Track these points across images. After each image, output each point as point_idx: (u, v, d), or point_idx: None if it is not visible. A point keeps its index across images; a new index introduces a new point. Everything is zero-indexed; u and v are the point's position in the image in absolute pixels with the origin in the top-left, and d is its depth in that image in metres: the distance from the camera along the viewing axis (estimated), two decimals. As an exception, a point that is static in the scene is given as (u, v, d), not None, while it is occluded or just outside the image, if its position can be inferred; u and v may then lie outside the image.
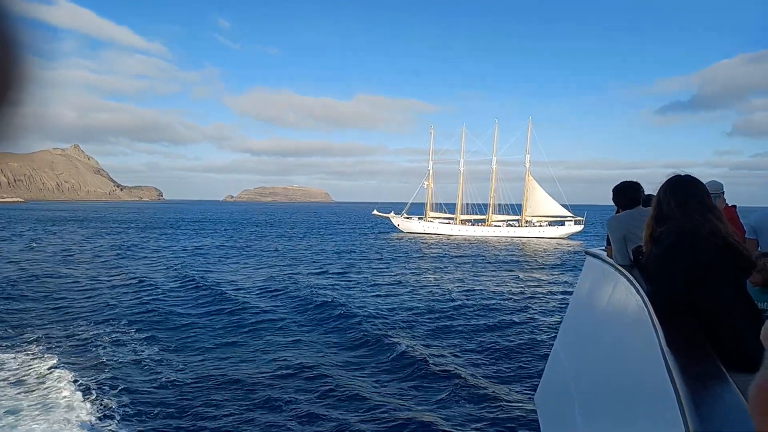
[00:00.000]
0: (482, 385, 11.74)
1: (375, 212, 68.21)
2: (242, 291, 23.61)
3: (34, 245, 45.17)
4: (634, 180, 4.73)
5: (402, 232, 65.13)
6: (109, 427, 9.68)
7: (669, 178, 3.09)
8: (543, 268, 34.54)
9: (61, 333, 16.22)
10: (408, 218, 65.91)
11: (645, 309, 2.84)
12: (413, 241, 55.13)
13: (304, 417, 10.06)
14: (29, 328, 16.53)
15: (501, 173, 64.92)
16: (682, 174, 3.10)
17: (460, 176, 65.47)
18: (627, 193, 4.59)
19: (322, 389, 11.40)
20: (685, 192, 2.98)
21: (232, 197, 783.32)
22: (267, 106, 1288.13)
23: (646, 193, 4.61)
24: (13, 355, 13.56)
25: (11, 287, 23.59)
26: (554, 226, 61.62)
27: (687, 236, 2.83)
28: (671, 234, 2.90)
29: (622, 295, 3.53)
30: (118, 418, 10.11)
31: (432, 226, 64.34)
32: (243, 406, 10.76)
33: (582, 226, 61.80)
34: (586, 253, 5.51)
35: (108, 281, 26.28)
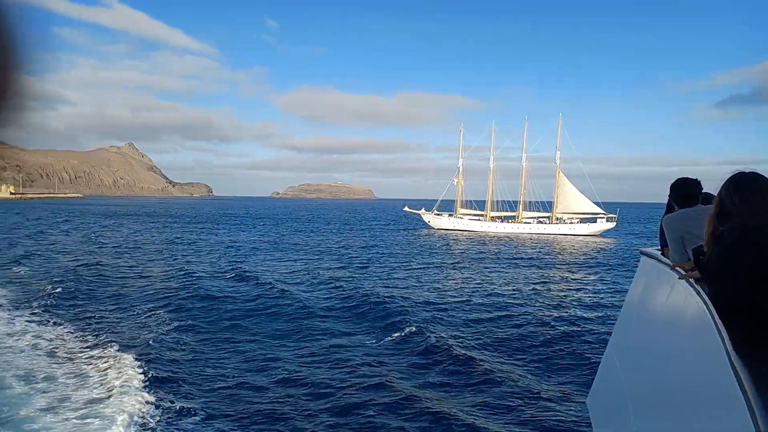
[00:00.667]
0: (531, 386, 11.51)
1: (406, 209, 69.39)
2: (282, 282, 25.09)
3: (94, 237, 48.90)
4: (692, 177, 4.55)
5: (432, 228, 66.12)
6: (160, 410, 10.19)
7: (732, 174, 3.00)
8: (578, 265, 34.20)
9: (115, 317, 18.03)
10: (438, 215, 66.83)
11: (707, 311, 2.74)
12: (443, 237, 55.94)
13: (350, 409, 10.24)
14: (88, 313, 18.38)
15: (539, 170, 64.85)
16: (746, 171, 3.01)
17: (490, 173, 65.85)
18: (685, 191, 4.43)
19: (367, 384, 11.57)
20: (749, 188, 2.90)
21: (278, 194, 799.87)
22: (311, 104, 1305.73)
23: (703, 190, 4.44)
24: (75, 337, 15.23)
25: (74, 275, 26.06)
26: (585, 223, 61.11)
27: (751, 233, 2.73)
28: (734, 231, 2.78)
29: (681, 297, 3.40)
30: (169, 401, 10.86)
31: (462, 222, 64.93)
32: (284, 388, 11.50)
33: (615, 224, 60.88)
34: (642, 253, 5.31)
35: (159, 271, 28.64)
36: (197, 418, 10.08)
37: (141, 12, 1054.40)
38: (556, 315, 18.58)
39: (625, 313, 5.78)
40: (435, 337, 15.23)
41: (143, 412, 10.12)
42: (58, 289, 21.91)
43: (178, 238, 50.01)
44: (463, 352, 13.88)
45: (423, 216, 67.83)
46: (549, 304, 20.84)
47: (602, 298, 22.30)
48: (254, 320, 17.87)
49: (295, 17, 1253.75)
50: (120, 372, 12.21)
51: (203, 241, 48.08)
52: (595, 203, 60.71)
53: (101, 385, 11.51)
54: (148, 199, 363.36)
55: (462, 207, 66.66)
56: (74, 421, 9.69)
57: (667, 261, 4.14)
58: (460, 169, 66.36)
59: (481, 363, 12.92)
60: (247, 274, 27.32)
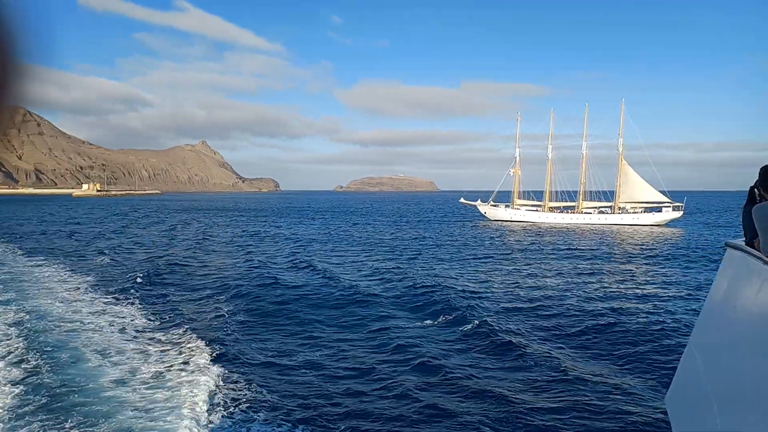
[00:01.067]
0: (603, 383, 11.22)
1: (462, 200, 69.28)
2: (344, 273, 25.84)
3: (170, 230, 52.70)
4: None
5: (489, 219, 65.74)
6: (231, 400, 10.33)
7: None
8: (643, 257, 32.77)
9: (186, 301, 19.49)
10: (495, 206, 66.31)
11: None
12: (498, 228, 55.63)
13: (422, 405, 10.14)
14: (162, 298, 19.95)
15: (602, 158, 62.88)
16: None
17: (548, 162, 64.48)
18: None
19: (438, 378, 11.52)
20: None
21: (341, 187, 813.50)
22: (375, 97, 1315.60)
23: None
24: (148, 319, 16.51)
25: (150, 264, 28.26)
26: (650, 212, 58.65)
27: None
28: None
29: None
30: (232, 376, 11.48)
31: (519, 213, 64.12)
32: (352, 380, 11.73)
33: (681, 213, 58.03)
34: (727, 245, 5.05)
35: (227, 260, 30.40)
36: (259, 395, 10.55)
37: (215, 15, 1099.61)
38: (623, 309, 17.96)
39: (708, 309, 5.50)
40: (501, 330, 15.11)
41: (209, 387, 10.66)
42: (137, 277, 23.57)
43: (244, 231, 52.69)
44: (531, 346, 13.71)
45: (479, 207, 67.52)
46: (615, 298, 20.16)
47: (670, 292, 21.30)
48: (307, 305, 18.74)
49: (358, 12, 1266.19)
50: (188, 350, 13.13)
51: (266, 232, 50.55)
52: (660, 192, 58.13)
53: (170, 362, 12.34)
54: (220, 195, 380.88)
55: (519, 197, 65.84)
56: (144, 391, 10.53)
57: (758, 254, 3.89)
58: (517, 159, 65.52)
59: (549, 358, 12.74)
60: (304, 263, 28.72)
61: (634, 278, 25.08)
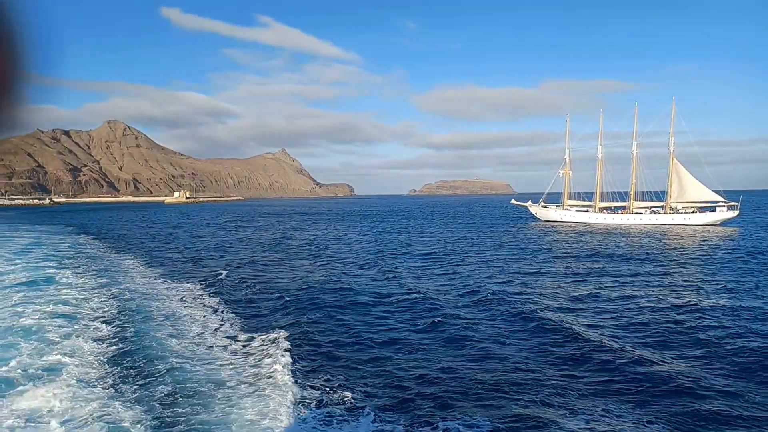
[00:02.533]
0: (714, 398, 10.44)
1: (513, 201, 70.42)
2: (415, 278, 25.97)
3: (253, 232, 58.12)
4: None
5: (540, 220, 66.52)
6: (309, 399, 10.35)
7: None
8: (697, 257, 31.95)
9: (266, 298, 20.66)
10: (545, 207, 67.00)
11: None
12: (547, 229, 56.55)
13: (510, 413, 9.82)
14: (245, 294, 21.34)
15: (656, 158, 61.84)
16: None
17: (598, 162, 64.16)
18: None
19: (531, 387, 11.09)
20: None
21: (415, 191, 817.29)
22: (449, 101, 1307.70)
23: None
24: (231, 312, 17.52)
25: (240, 266, 30.12)
26: (704, 212, 57.05)
27: None
28: None
29: None
30: (304, 366, 12.05)
31: (569, 214, 64.38)
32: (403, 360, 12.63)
33: (737, 212, 56.04)
34: None
35: (306, 261, 32.04)
36: (334, 388, 10.96)
37: (295, 28, 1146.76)
38: (718, 318, 16.69)
39: None
40: (587, 335, 14.85)
41: (285, 377, 11.18)
42: (221, 275, 25.38)
43: (318, 233, 56.98)
44: (630, 355, 12.98)
45: (530, 208, 68.49)
46: (676, 299, 19.71)
47: (727, 293, 20.89)
48: (372, 303, 19.73)
49: (432, 16, 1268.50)
50: (267, 343, 13.96)
51: (336, 233, 54.96)
52: (714, 191, 56.42)
53: (248, 350, 13.33)
54: (298, 200, 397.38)
55: (570, 198, 66.06)
56: (224, 373, 11.48)
57: None
58: (567, 160, 65.79)
59: (652, 366, 12.22)
60: (363, 260, 31.66)
61: (687, 278, 25.03)
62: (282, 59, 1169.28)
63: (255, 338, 14.51)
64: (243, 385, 10.81)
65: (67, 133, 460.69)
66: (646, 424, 9.39)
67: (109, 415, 9.32)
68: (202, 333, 15.13)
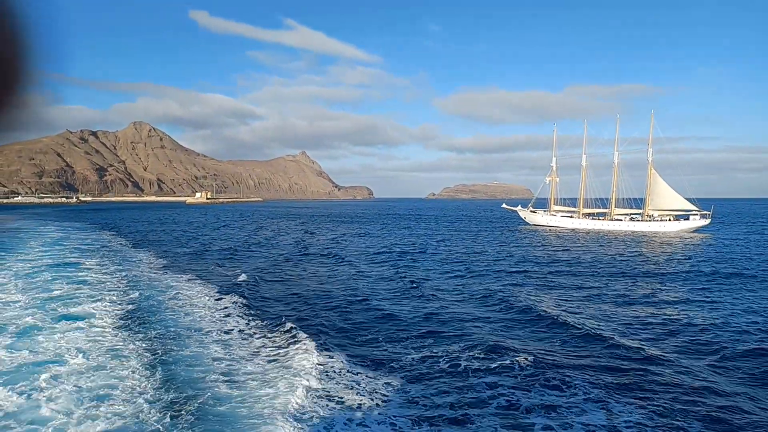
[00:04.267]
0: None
1: (504, 206, 74.37)
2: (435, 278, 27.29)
3: (274, 233, 61.23)
4: None
5: (528, 224, 70.24)
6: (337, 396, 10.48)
7: None
8: (665, 261, 34.74)
9: (289, 298, 21.22)
10: (533, 212, 70.72)
11: None
12: (535, 233, 60.21)
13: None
14: (267, 296, 21.80)
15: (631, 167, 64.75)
16: None
17: (582, 170, 67.56)
18: None
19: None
20: None
21: (434, 195, 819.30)
22: (472, 104, 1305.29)
23: None
24: (259, 322, 17.06)
25: (263, 264, 31.61)
26: (678, 220, 60.25)
27: None
28: None
29: None
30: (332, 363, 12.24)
31: (555, 219, 67.92)
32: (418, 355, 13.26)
33: (709, 220, 59.32)
34: None
35: (328, 263, 33.00)
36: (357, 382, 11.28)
37: (319, 31, 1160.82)
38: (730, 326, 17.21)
39: None
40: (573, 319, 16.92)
41: (308, 379, 11.22)
42: (241, 276, 26.06)
43: (336, 234, 61.61)
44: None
45: (519, 212, 72.46)
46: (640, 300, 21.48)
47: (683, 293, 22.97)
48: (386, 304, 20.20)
49: (456, 18, 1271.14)
50: (288, 339, 14.35)
51: (353, 234, 59.45)
52: (688, 199, 59.52)
53: (269, 352, 13.43)
54: (316, 202, 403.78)
55: (557, 204, 69.65)
56: (246, 371, 11.70)
57: None
58: (553, 167, 69.44)
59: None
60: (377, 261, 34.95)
61: (651, 275, 27.85)
62: (305, 61, 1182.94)
63: (272, 334, 15.05)
64: (261, 379, 11.19)
65: (94, 133, 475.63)
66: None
67: (121, 390, 10.37)
68: (220, 328, 15.82)
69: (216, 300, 20.30)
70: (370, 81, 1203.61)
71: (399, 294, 22.61)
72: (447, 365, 12.61)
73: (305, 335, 14.70)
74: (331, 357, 12.91)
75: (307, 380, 11.05)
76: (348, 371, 11.94)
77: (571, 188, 70.42)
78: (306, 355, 12.80)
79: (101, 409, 9.50)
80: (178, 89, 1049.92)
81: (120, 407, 9.60)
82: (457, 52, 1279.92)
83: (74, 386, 10.53)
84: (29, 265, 27.61)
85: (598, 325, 16.78)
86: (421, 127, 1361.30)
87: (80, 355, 12.41)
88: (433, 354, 13.52)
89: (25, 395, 10.01)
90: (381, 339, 15.09)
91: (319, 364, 12.20)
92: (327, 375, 11.62)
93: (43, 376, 10.90)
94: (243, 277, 25.88)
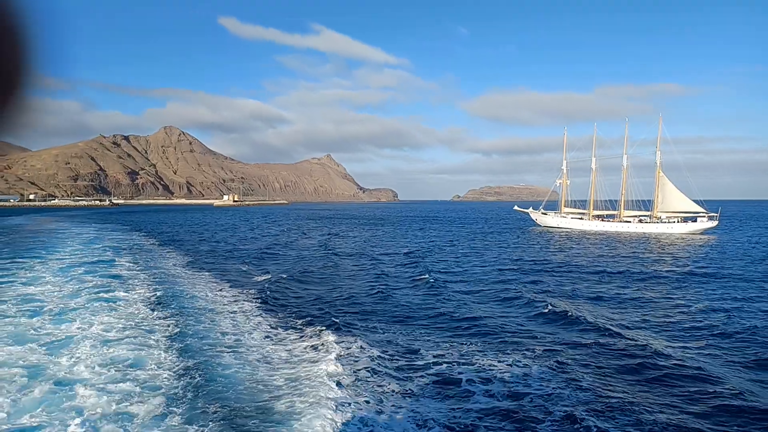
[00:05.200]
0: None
1: (516, 208, 75.99)
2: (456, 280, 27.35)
3: (299, 234, 63.84)
4: None
5: (540, 226, 71.69)
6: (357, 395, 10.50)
7: None
8: (672, 261, 35.90)
9: (314, 300, 21.09)
10: (544, 213, 72.17)
11: None
12: (546, 234, 61.70)
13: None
14: (294, 297, 21.87)
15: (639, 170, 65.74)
16: None
17: (592, 173, 68.76)
18: None
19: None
20: None
21: (459, 197, 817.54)
22: (500, 106, 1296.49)
23: None
24: (285, 320, 17.24)
25: (290, 266, 31.99)
26: (686, 221, 60.96)
27: None
28: None
29: None
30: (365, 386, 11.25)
31: (565, 221, 69.20)
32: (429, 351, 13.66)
33: (716, 222, 59.94)
34: None
35: (351, 264, 33.75)
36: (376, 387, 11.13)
37: (346, 36, 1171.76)
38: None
39: None
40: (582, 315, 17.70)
41: (333, 379, 11.20)
42: (267, 276, 26.56)
43: (359, 236, 64.05)
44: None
45: (531, 214, 74.02)
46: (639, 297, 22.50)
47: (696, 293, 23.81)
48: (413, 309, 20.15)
49: (484, 21, 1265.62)
50: (318, 343, 14.17)
51: (375, 236, 62.11)
52: (695, 201, 60.25)
53: (296, 353, 13.40)
54: (340, 204, 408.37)
55: (567, 205, 70.97)
56: (273, 373, 11.71)
57: None
58: (564, 170, 70.82)
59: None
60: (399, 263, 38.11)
61: (660, 274, 29.23)
62: (333, 65, 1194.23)
63: (299, 337, 15.13)
64: (286, 382, 11.21)
65: (126, 138, 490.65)
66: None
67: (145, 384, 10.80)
68: (244, 328, 16.04)
69: (237, 292, 21.81)
70: (397, 84, 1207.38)
71: (418, 293, 23.28)
72: (467, 360, 13.01)
73: (328, 331, 15.24)
74: (351, 351, 13.41)
75: (330, 375, 11.35)
76: (370, 367, 12.23)
77: (585, 191, 71.30)
78: (328, 353, 13.14)
79: (128, 374, 11.38)
80: (208, 94, 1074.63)
81: (143, 374, 11.41)
82: (484, 55, 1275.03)
83: (106, 354, 12.83)
84: (67, 262, 30.81)
85: (611, 323, 17.45)
86: (448, 130, 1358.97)
87: (112, 330, 15.10)
88: (451, 350, 14.03)
89: (69, 357, 12.57)
90: (403, 339, 15.27)
91: (339, 356, 12.73)
92: (349, 369, 11.92)
93: (83, 347, 13.50)
94: (267, 276, 27.08)
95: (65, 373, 11.40)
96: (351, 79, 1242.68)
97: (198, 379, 11.26)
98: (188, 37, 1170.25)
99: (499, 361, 13.00)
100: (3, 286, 22.50)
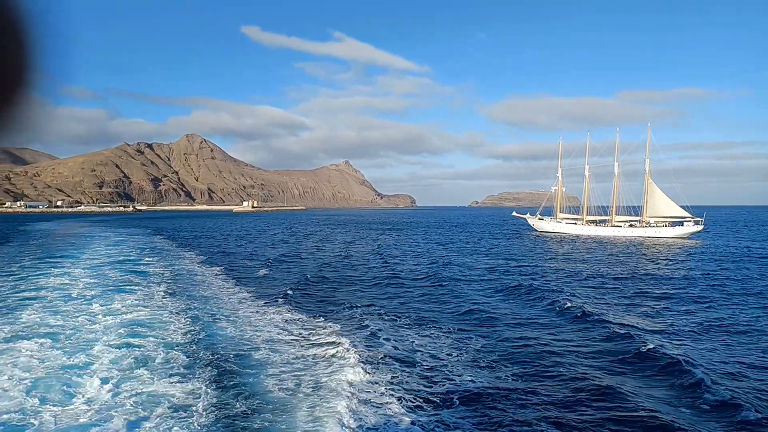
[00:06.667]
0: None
1: (514, 213, 79.27)
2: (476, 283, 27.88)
3: (319, 241, 67.41)
4: None
5: (536, 231, 74.76)
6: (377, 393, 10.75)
7: None
8: (658, 260, 39.18)
9: (336, 307, 20.69)
10: (541, 219, 75.29)
11: None
12: (542, 238, 64.72)
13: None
14: (316, 302, 21.82)
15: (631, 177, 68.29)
16: None
17: (585, 180, 71.68)
18: None
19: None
20: None
21: (477, 203, 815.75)
22: (520, 110, 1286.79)
23: None
24: (306, 321, 17.49)
25: (315, 270, 32.76)
26: (673, 226, 63.61)
27: None
28: None
29: None
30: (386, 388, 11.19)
31: (560, 226, 72.24)
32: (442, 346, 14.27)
33: (702, 227, 62.67)
34: None
35: (369, 268, 34.50)
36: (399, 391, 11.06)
37: (367, 44, 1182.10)
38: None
39: None
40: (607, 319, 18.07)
41: (354, 381, 11.36)
42: (292, 287, 25.98)
43: (379, 241, 67.82)
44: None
45: (528, 219, 77.28)
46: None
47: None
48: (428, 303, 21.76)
49: (503, 26, 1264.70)
50: (334, 346, 14.22)
51: (393, 241, 65.85)
52: (682, 207, 62.93)
53: (318, 356, 13.42)
54: (358, 210, 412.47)
55: (562, 211, 74.05)
56: (295, 375, 11.81)
57: None
58: (559, 177, 74.12)
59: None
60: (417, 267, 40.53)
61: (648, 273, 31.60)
62: (354, 72, 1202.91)
63: (318, 338, 15.24)
64: (308, 385, 11.25)
65: (150, 145, 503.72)
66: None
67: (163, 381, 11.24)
68: (266, 328, 16.46)
69: (256, 294, 23.12)
70: (418, 90, 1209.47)
71: (432, 296, 23.96)
72: (486, 363, 13.27)
73: (348, 335, 15.41)
74: (371, 354, 13.51)
75: (351, 380, 11.38)
76: (390, 370, 12.29)
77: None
78: (348, 355, 13.16)
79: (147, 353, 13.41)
80: (231, 102, 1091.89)
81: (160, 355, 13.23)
82: (504, 60, 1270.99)
83: (129, 335, 15.57)
84: (95, 261, 35.14)
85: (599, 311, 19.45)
86: (467, 135, 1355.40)
87: (133, 313, 18.76)
88: (468, 352, 14.29)
89: (99, 341, 15.60)
90: (427, 343, 15.21)
91: (361, 362, 12.67)
92: (369, 375, 11.86)
93: (114, 328, 17.36)
94: (286, 277, 28.75)
95: (90, 360, 12.93)
96: (372, 85, 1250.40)
97: (215, 371, 12.02)
98: (212, 46, 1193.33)
99: (513, 363, 13.27)
100: (39, 279, 26.48)
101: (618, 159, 66.34)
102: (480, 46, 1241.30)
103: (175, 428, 9.09)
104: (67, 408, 9.89)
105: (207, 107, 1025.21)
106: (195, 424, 9.23)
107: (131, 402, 10.22)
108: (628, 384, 11.76)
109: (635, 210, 67.34)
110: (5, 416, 9.51)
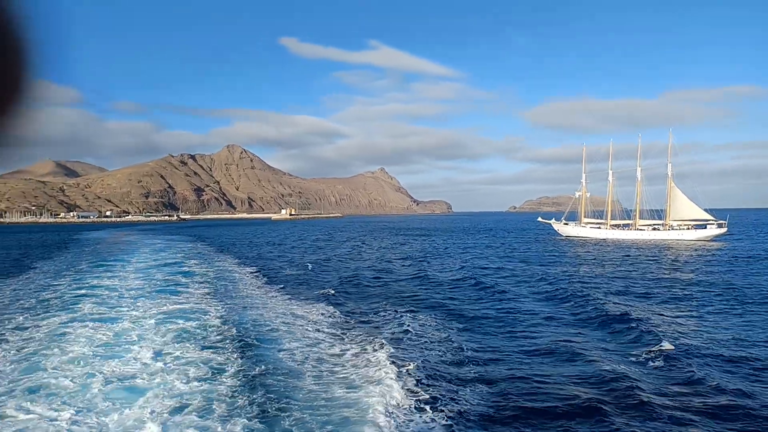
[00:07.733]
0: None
1: (540, 219, 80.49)
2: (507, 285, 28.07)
3: (354, 247, 72.32)
4: None
5: (561, 236, 75.79)
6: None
7: None
8: (685, 262, 39.80)
9: (373, 312, 20.47)
10: (566, 223, 76.31)
11: None
12: (566, 243, 65.80)
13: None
14: (353, 306, 21.74)
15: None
16: None
17: (609, 185, 72.42)
18: None
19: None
20: None
21: (515, 208, 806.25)
22: (560, 113, 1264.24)
23: None
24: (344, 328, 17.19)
25: (351, 273, 33.49)
26: (696, 229, 63.77)
27: None
28: None
29: None
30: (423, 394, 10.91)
31: (584, 230, 73.13)
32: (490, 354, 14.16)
33: (725, 229, 62.75)
34: None
35: (406, 274, 34.11)
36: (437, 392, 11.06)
37: (403, 51, 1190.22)
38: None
39: None
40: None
41: (391, 385, 11.23)
42: (329, 289, 26.42)
43: (413, 247, 70.59)
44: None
45: (553, 225, 78.37)
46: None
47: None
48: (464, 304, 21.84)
49: (542, 30, 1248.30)
50: (373, 351, 14.03)
51: (429, 247, 68.67)
52: (705, 210, 63.09)
53: (355, 361, 13.27)
54: (395, 216, 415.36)
55: (586, 216, 74.89)
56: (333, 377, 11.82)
57: None
58: (583, 183, 74.99)
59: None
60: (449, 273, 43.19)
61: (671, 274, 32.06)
62: (390, 79, 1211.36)
63: (356, 343, 15.14)
64: (343, 385, 11.36)
65: (192, 156, 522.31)
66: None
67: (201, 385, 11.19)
68: (310, 342, 15.46)
69: (297, 298, 23.39)
70: (454, 96, 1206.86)
71: (471, 299, 24.02)
72: (524, 367, 13.13)
73: (385, 342, 14.96)
74: (406, 362, 13.10)
75: (388, 384, 11.24)
76: (426, 377, 12.05)
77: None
78: (385, 362, 12.93)
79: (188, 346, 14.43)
80: (270, 112, 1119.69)
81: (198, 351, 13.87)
82: (543, 63, 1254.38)
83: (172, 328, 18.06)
84: (142, 265, 39.02)
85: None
86: (505, 139, 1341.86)
87: (178, 305, 21.60)
88: (509, 356, 14.22)
89: (142, 333, 18.58)
90: (467, 350, 14.82)
91: (395, 366, 12.51)
92: (407, 382, 11.60)
93: (164, 323, 20.76)
94: (326, 282, 29.26)
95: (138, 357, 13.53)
96: (407, 92, 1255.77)
97: (252, 365, 12.63)
98: (251, 58, 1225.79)
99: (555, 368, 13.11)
100: (94, 280, 29.77)
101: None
102: (518, 50, 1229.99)
103: (211, 407, 10.05)
104: (125, 370, 12.60)
105: (247, 118, 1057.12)
106: (224, 413, 9.80)
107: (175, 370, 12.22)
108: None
109: (659, 214, 67.82)
110: (70, 382, 11.36)
